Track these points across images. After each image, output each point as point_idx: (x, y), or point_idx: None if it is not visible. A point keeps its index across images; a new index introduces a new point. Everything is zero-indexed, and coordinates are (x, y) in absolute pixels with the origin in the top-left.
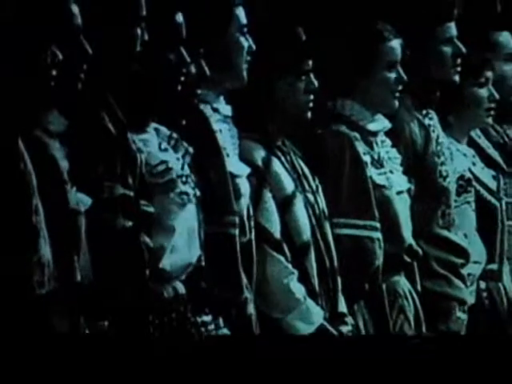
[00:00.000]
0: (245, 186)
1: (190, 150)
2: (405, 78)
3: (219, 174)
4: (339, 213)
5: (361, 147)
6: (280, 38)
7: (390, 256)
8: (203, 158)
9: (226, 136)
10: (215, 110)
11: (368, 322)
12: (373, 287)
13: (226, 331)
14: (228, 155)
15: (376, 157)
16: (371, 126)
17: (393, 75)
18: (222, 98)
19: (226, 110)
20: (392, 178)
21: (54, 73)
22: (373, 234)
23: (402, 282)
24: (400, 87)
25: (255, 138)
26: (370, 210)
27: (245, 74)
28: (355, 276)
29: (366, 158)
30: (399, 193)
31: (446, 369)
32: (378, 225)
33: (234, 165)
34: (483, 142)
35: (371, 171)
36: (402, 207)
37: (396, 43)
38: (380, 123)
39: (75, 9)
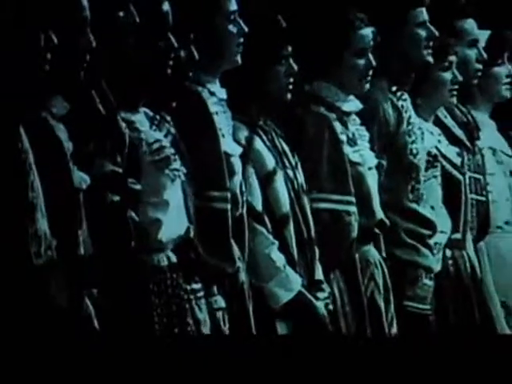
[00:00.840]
0: (238, 165)
1: (172, 130)
2: (374, 63)
3: (215, 153)
4: (318, 188)
5: (338, 127)
6: (263, 26)
7: (362, 228)
8: (200, 139)
9: (222, 118)
10: (212, 94)
11: (343, 289)
12: (348, 257)
13: (219, 298)
14: (223, 136)
15: (350, 135)
16: (346, 107)
17: (362, 61)
18: (217, 81)
19: (222, 93)
20: (364, 154)
21: (49, 56)
22: (349, 208)
23: (372, 252)
24: (370, 72)
25: (239, 118)
26: (346, 186)
27: (238, 57)
28: (333, 247)
29: (343, 137)
30: (370, 169)
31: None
32: (353, 199)
33: (229, 145)
34: (449, 122)
35: (347, 149)
36: (373, 182)
37: (367, 31)
38: (353, 104)
39: (85, 1)
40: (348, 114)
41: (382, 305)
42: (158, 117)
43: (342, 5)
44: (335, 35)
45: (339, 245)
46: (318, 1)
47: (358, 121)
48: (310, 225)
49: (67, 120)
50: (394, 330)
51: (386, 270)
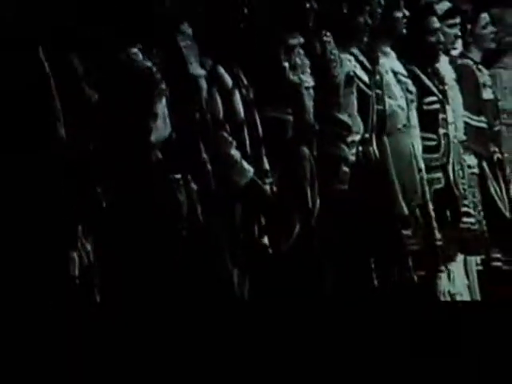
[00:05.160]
0: (202, 84)
1: (157, 60)
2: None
3: (185, 75)
4: (267, 103)
5: (282, 56)
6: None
7: (298, 130)
8: (174, 66)
9: (189, 50)
10: (182, 33)
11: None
12: (287, 153)
13: (193, 184)
14: (191, 63)
15: (292, 63)
16: (290, 41)
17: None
18: (186, 24)
19: (189, 31)
20: (302, 77)
21: None
22: (286, 117)
23: (305, 150)
24: None
25: (205, 52)
26: (285, 100)
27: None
28: (276, 145)
29: (285, 64)
30: (307, 88)
31: None
32: (290, 110)
33: (195, 69)
34: (357, 52)
35: (289, 73)
36: (308, 98)
37: None
38: (296, 39)
39: None
40: (292, 46)
41: (309, 189)
42: (149, 50)
43: None
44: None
45: (281, 143)
46: None
47: (301, 52)
48: (258, 129)
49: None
50: (317, 204)
51: (313, 163)
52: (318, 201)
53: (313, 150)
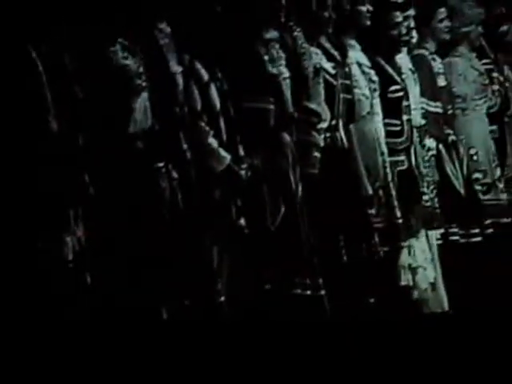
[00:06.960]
0: (179, 80)
1: (139, 57)
2: None
3: (165, 72)
4: (249, 94)
5: (262, 50)
6: None
7: (278, 118)
8: (155, 63)
9: (168, 47)
10: (161, 31)
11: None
12: (268, 138)
13: (174, 172)
14: (170, 60)
15: (271, 56)
16: (267, 36)
17: None
18: (165, 23)
19: (168, 30)
20: (281, 69)
21: None
22: (267, 107)
23: (285, 136)
24: None
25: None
26: (266, 92)
27: None
28: (260, 132)
29: (265, 58)
30: (284, 79)
31: None
32: (272, 99)
33: (173, 66)
34: (327, 45)
35: (268, 65)
36: (286, 87)
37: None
38: (273, 33)
39: None
40: (268, 40)
41: (291, 173)
42: (131, 48)
43: None
44: None
45: (262, 130)
46: None
47: (277, 46)
48: (232, 119)
49: None
50: (300, 190)
51: (294, 149)
52: (300, 184)
53: (293, 136)
